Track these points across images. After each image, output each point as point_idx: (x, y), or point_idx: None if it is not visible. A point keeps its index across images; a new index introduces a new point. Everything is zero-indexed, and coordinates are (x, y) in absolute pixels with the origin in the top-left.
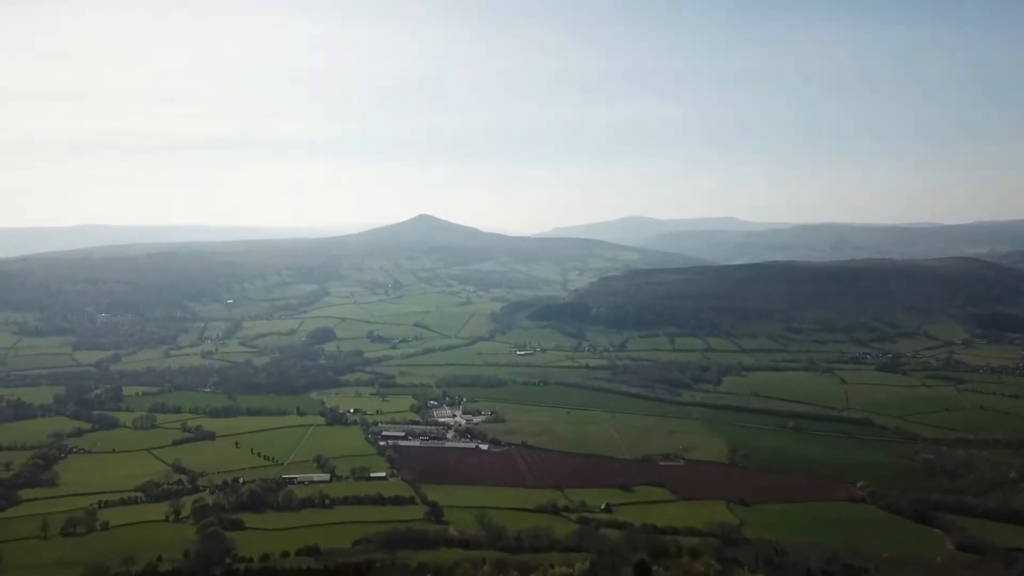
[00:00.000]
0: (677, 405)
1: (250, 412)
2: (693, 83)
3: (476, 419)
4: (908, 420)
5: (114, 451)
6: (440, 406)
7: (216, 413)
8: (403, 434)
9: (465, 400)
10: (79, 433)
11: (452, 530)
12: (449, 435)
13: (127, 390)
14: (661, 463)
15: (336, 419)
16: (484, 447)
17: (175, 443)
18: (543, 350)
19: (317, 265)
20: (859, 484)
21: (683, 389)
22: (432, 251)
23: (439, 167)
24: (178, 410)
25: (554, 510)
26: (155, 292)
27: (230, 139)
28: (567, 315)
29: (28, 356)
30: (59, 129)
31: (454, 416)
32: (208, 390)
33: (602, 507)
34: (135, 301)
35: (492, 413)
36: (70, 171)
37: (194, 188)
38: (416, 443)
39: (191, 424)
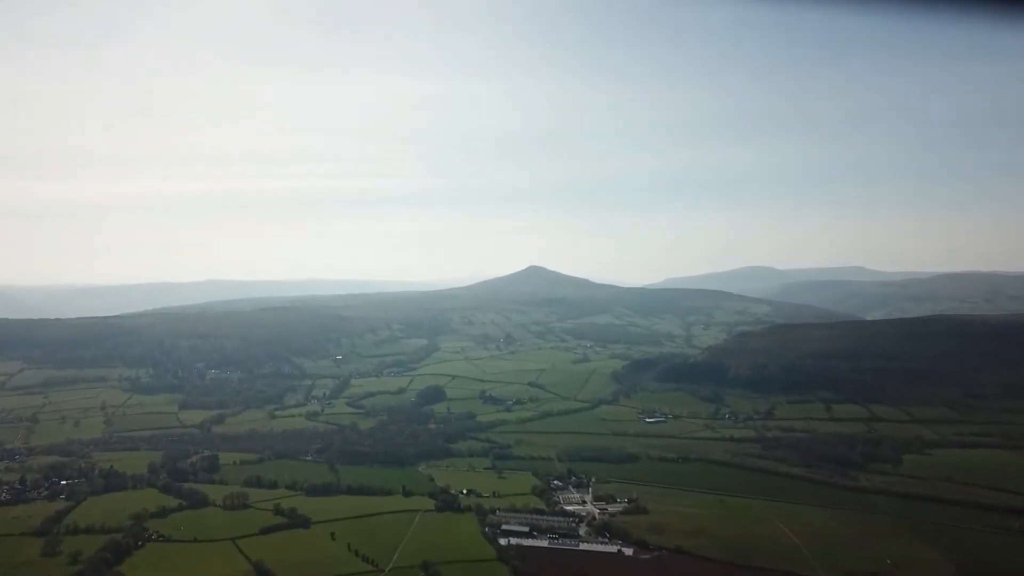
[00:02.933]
0: (853, 492)
1: (351, 490)
2: (815, 126)
3: (611, 508)
4: None
5: (196, 540)
6: (565, 487)
7: (314, 490)
8: (527, 529)
9: (594, 480)
10: (164, 513)
11: None
12: (582, 531)
13: (225, 457)
14: None
15: (447, 503)
16: (628, 551)
17: (264, 531)
18: (675, 417)
19: (427, 319)
20: None
21: (855, 470)
22: (544, 303)
23: (547, 218)
24: (274, 485)
25: None
26: (264, 347)
27: (344, 195)
28: (700, 376)
29: (135, 416)
30: (186, 192)
31: (584, 503)
32: (310, 458)
33: None
34: (244, 357)
35: (629, 500)
36: (198, 229)
37: (311, 243)
38: (544, 543)
39: (285, 505)
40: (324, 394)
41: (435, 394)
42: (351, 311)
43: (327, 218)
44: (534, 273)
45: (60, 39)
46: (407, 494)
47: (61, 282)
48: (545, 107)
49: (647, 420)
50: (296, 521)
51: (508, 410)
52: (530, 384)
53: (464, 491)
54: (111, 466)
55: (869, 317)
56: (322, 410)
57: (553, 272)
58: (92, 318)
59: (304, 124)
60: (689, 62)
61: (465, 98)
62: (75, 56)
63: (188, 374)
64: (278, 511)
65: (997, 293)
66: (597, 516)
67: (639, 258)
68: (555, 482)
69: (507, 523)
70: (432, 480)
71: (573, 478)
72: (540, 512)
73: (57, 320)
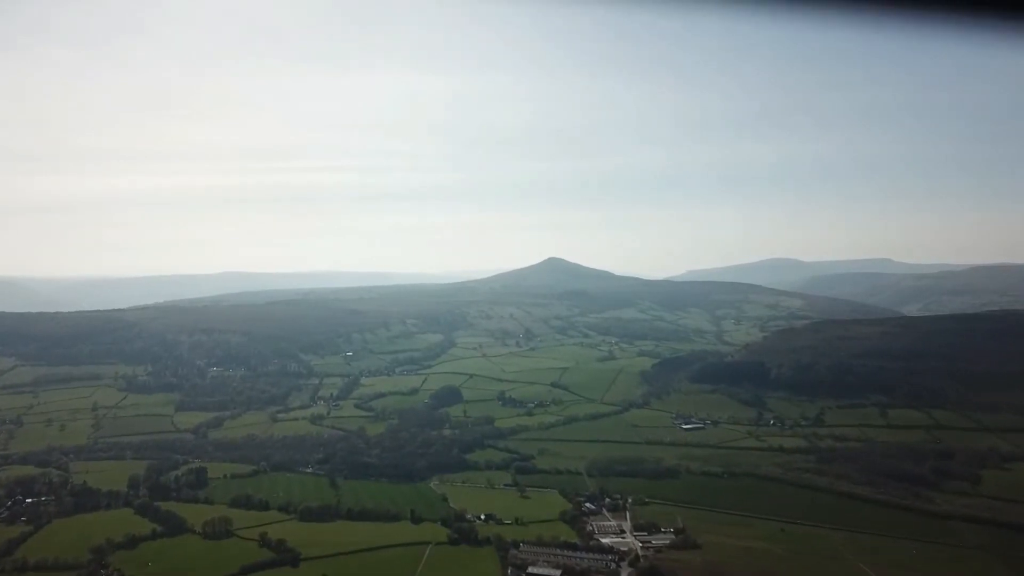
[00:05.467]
0: (934, 519)
1: (352, 515)
2: (830, 120)
3: (655, 540)
4: None
5: None
6: (598, 510)
7: (310, 514)
8: (558, 573)
9: (631, 502)
10: (132, 543)
11: None
12: (624, 573)
13: (216, 469)
14: None
15: (463, 533)
16: None
17: (244, 570)
18: (714, 423)
19: (443, 312)
20: None
21: (928, 489)
22: (565, 297)
23: (565, 212)
24: (265, 506)
25: None
26: (271, 343)
27: (363, 190)
28: (739, 376)
29: (126, 419)
30: (206, 186)
31: (622, 532)
32: (310, 470)
33: None
34: (249, 354)
35: (676, 531)
36: (218, 223)
37: (331, 237)
38: None
39: (273, 535)
40: (331, 394)
41: (450, 395)
42: (364, 305)
43: (346, 212)
44: (553, 265)
45: (73, 35)
46: (416, 520)
47: (77, 275)
48: (561, 102)
49: (684, 427)
50: (283, 556)
51: (530, 414)
52: (553, 384)
53: (482, 516)
54: (85, 481)
55: (905, 311)
56: (328, 412)
57: (573, 264)
58: (91, 312)
59: (324, 119)
60: (705, 58)
61: (483, 93)
62: (86, 52)
63: (188, 372)
64: (264, 542)
65: None
66: (640, 552)
67: (658, 251)
68: (586, 504)
69: (534, 564)
70: (445, 500)
71: (607, 499)
72: (572, 547)
73: (56, 314)
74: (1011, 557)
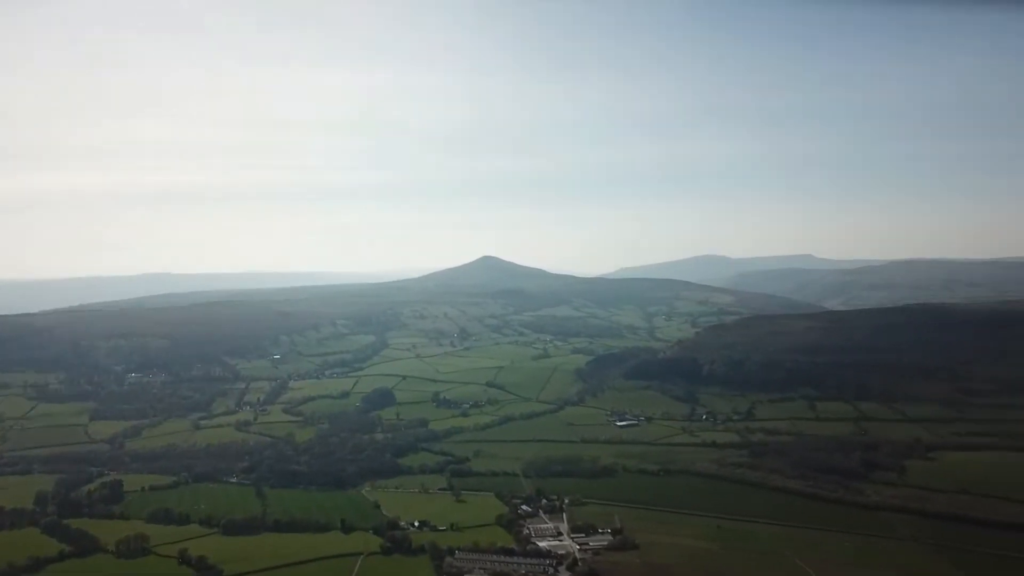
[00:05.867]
0: (865, 511)
1: (279, 526)
2: (760, 118)
3: (593, 542)
4: None
5: None
6: (535, 512)
7: (233, 528)
8: None
9: (568, 502)
10: (37, 566)
11: None
12: None
13: (133, 481)
14: None
15: (396, 542)
16: None
17: None
18: (649, 419)
19: (376, 313)
20: None
21: (859, 481)
22: (500, 295)
23: (500, 210)
24: (185, 520)
25: None
26: (194, 347)
27: (296, 188)
28: (671, 372)
29: (36, 430)
30: (127, 183)
31: (559, 534)
32: (234, 480)
33: None
34: (170, 359)
35: (614, 531)
36: (138, 221)
37: (263, 237)
38: None
39: (194, 551)
40: (258, 399)
41: (383, 398)
42: (294, 306)
43: (277, 212)
44: (488, 264)
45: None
46: (347, 530)
47: None
48: (496, 100)
49: (618, 424)
50: (205, 574)
51: (465, 415)
52: (488, 384)
53: (416, 523)
54: None
55: (829, 305)
56: (255, 418)
57: (508, 263)
58: None
59: (252, 116)
60: (637, 56)
61: (415, 90)
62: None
63: (104, 379)
64: (184, 559)
65: (954, 280)
66: (578, 555)
67: (592, 249)
68: (523, 507)
69: (470, 572)
70: (378, 508)
71: (543, 501)
72: (509, 552)
73: None
74: (944, 548)
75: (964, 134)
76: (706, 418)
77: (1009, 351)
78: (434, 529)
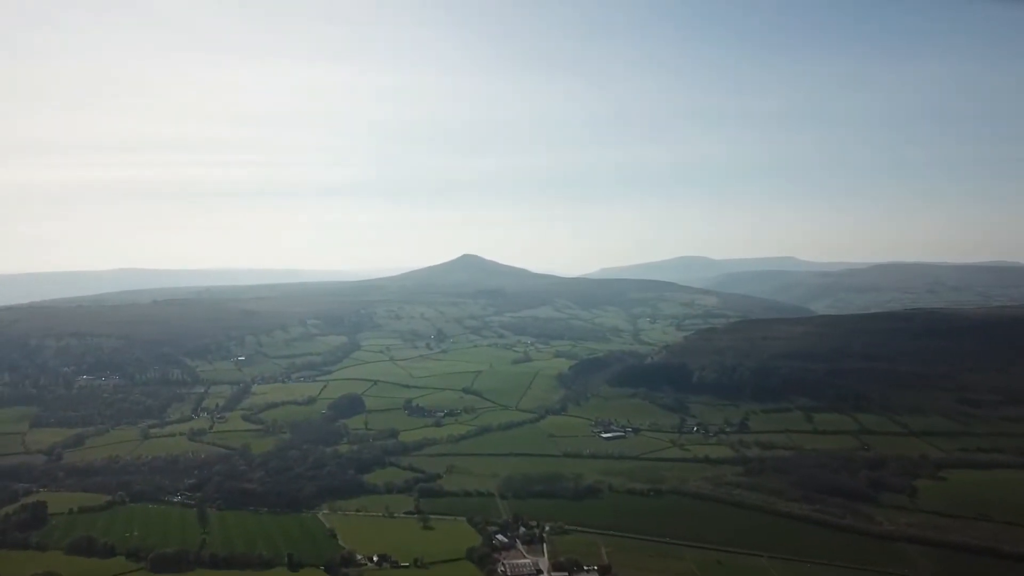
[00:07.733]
0: (879, 541)
1: (215, 561)
2: (744, 121)
3: None
4: None
5: None
6: (512, 543)
7: (163, 564)
8: None
9: (548, 530)
10: None
11: None
12: None
13: (61, 501)
14: None
15: None
16: None
17: None
18: (636, 431)
19: (349, 313)
20: None
21: (867, 504)
22: (479, 295)
23: (482, 207)
24: (110, 552)
25: None
26: (152, 348)
27: (274, 184)
28: (659, 379)
29: None
30: (102, 179)
31: (539, 572)
32: (178, 499)
33: None
34: (125, 360)
35: (600, 568)
36: (108, 217)
37: (239, 232)
38: None
39: None
40: (217, 405)
41: (351, 404)
42: (262, 304)
43: (253, 208)
44: (469, 262)
45: None
46: (294, 567)
47: None
48: (478, 99)
49: (604, 435)
50: None
51: (438, 424)
52: (464, 390)
53: (375, 558)
54: None
55: (814, 307)
56: (211, 426)
57: (489, 261)
58: None
59: (230, 110)
60: (623, 57)
61: (396, 88)
62: None
63: (51, 382)
64: None
65: (938, 284)
66: None
67: (574, 248)
68: (498, 536)
69: None
70: (334, 537)
71: (521, 528)
72: None
73: None
74: None
75: (944, 141)
76: (697, 430)
77: (1010, 359)
78: (395, 565)
